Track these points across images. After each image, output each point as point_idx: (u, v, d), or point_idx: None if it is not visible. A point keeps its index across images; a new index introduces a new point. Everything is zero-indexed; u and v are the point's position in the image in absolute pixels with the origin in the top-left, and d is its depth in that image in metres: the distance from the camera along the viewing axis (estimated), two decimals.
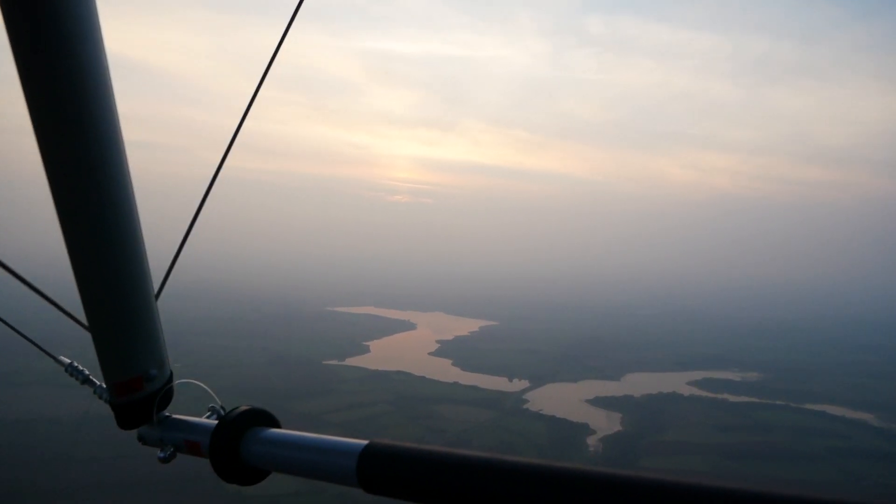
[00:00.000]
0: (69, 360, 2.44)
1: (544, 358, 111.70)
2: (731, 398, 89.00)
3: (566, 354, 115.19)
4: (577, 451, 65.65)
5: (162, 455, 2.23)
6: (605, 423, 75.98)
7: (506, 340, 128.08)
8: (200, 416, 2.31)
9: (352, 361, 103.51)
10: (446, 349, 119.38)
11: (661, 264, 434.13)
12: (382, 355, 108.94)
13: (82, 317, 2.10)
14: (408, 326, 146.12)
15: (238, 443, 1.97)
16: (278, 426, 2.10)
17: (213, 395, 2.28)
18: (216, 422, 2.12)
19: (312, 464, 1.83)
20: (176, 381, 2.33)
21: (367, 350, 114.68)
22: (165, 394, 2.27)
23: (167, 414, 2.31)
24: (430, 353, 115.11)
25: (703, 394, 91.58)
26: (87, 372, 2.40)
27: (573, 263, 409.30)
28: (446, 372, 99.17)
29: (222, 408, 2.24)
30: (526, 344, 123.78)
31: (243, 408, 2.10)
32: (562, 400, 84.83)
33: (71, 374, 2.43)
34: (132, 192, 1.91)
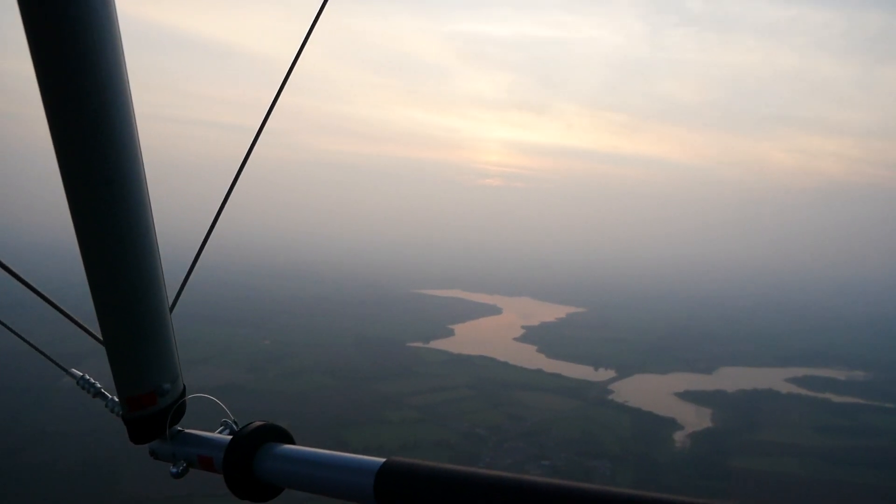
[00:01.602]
0: (81, 373, 2.35)
1: (633, 348, 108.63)
2: (835, 398, 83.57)
3: (656, 345, 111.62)
4: (662, 447, 63.25)
5: (174, 471, 2.17)
6: (693, 419, 72.93)
7: (593, 328, 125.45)
8: (212, 430, 2.27)
9: (436, 344, 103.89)
10: (531, 335, 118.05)
11: (761, 254, 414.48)
12: (467, 339, 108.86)
13: (97, 330, 2.08)
14: (494, 311, 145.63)
15: (251, 459, 1.95)
16: (292, 442, 2.05)
17: (226, 409, 2.25)
18: (229, 437, 2.09)
19: (328, 481, 1.82)
20: (189, 396, 2.25)
21: (451, 333, 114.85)
22: (178, 408, 2.21)
23: (180, 429, 2.25)
24: (514, 339, 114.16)
25: (804, 392, 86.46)
26: (98, 385, 2.33)
27: (667, 251, 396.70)
28: (530, 358, 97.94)
29: (235, 423, 2.20)
30: (614, 332, 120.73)
31: (257, 423, 2.05)
32: (649, 392, 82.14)
33: (83, 388, 2.34)
34: (149, 203, 1.91)
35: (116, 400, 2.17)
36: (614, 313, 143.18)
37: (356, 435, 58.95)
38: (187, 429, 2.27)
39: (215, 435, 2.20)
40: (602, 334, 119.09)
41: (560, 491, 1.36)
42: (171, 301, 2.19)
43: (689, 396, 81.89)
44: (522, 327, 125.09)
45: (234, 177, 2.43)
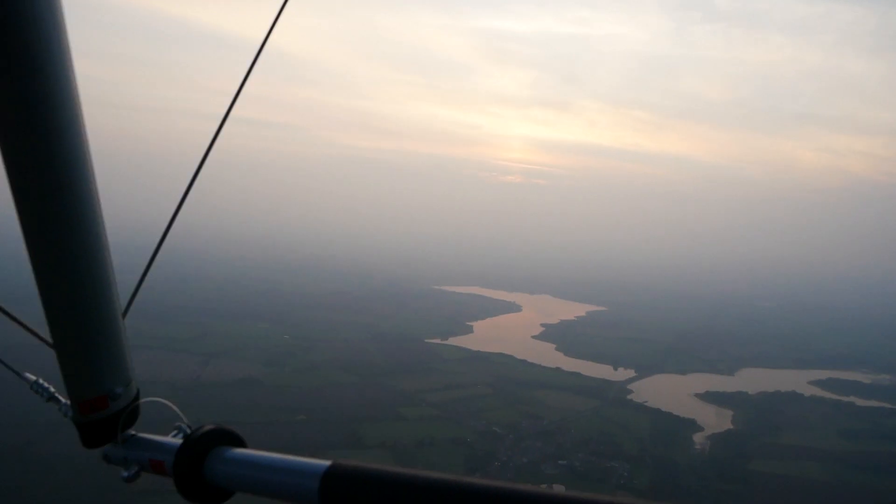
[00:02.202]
0: (34, 377, 2.40)
1: (653, 347, 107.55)
2: (859, 402, 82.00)
3: (676, 345, 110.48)
4: (681, 449, 62.42)
5: (126, 474, 2.19)
6: (714, 420, 71.98)
7: (613, 327, 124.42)
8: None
9: (454, 341, 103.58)
10: (551, 333, 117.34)
11: (786, 254, 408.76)
12: (485, 336, 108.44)
13: (46, 334, 2.10)
14: (513, 308, 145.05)
15: (202, 462, 1.97)
16: (244, 445, 2.06)
17: (180, 413, 2.25)
18: (182, 441, 2.12)
19: (275, 484, 1.82)
20: (142, 400, 2.30)
21: (470, 330, 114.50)
22: (131, 412, 2.25)
23: (133, 433, 2.28)
24: (533, 337, 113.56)
25: (827, 395, 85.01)
26: (52, 389, 2.35)
27: (689, 250, 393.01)
28: (549, 356, 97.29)
29: (189, 426, 2.19)
30: (634, 332, 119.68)
31: (208, 426, 2.06)
32: (669, 392, 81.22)
33: (36, 392, 2.37)
34: (99, 205, 1.92)
35: (69, 404, 2.18)
36: (635, 312, 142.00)
37: (372, 431, 58.83)
38: (141, 433, 2.27)
39: (168, 439, 2.18)
40: (622, 333, 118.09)
41: (508, 494, 1.35)
42: (124, 305, 2.19)
43: (709, 397, 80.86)
44: (542, 325, 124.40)
45: (193, 174, 2.45)
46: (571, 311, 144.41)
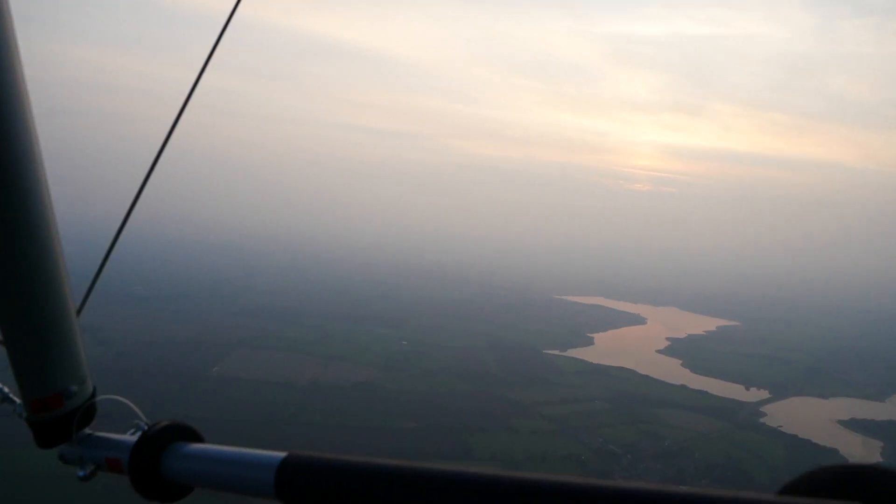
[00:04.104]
0: None
1: (790, 367, 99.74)
2: None
3: (818, 365, 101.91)
4: None
5: (81, 474, 2.15)
6: (859, 451, 65.24)
7: (746, 343, 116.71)
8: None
9: (573, 353, 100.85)
10: (677, 348, 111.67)
11: None
12: (606, 349, 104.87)
13: None
14: (637, 320, 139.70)
15: (158, 458, 1.95)
16: (202, 440, 2.04)
17: (138, 410, 2.19)
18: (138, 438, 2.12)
19: (232, 478, 1.82)
20: (99, 397, 2.25)
21: (590, 342, 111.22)
22: (87, 411, 2.20)
23: (89, 432, 2.23)
24: (658, 351, 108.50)
25: None
26: (6, 389, 2.31)
27: (835, 262, 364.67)
28: (674, 373, 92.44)
29: (147, 424, 2.14)
30: (770, 349, 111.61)
31: (164, 423, 2.04)
32: (807, 417, 74.81)
33: None
34: (50, 204, 1.90)
35: (22, 403, 2.13)
36: (771, 328, 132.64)
37: (483, 443, 57.81)
38: (98, 432, 2.21)
39: (124, 437, 2.11)
40: (756, 350, 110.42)
41: (459, 478, 1.36)
42: (78, 302, 2.16)
43: (855, 425, 73.63)
44: (667, 339, 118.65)
45: (146, 172, 2.44)
46: (700, 324, 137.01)
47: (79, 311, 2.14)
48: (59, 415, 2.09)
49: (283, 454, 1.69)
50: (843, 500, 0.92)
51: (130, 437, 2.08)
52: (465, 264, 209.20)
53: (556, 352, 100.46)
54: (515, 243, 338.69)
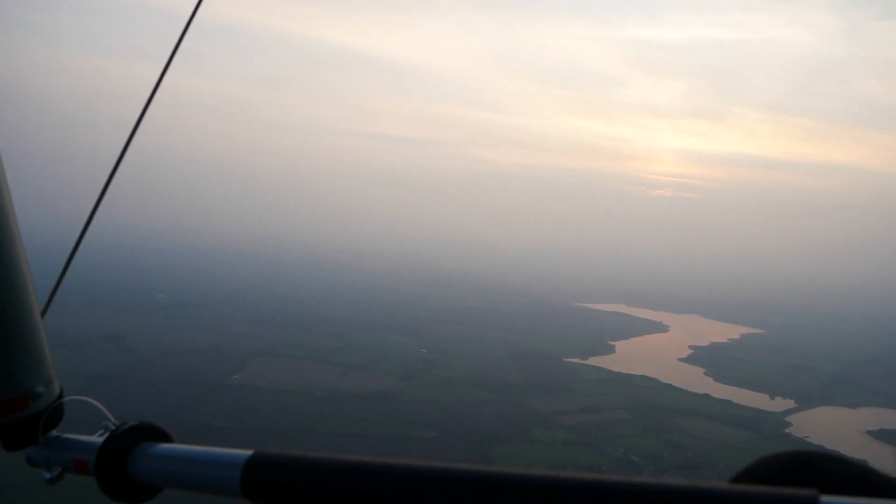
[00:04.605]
0: None
1: (817, 376, 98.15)
2: None
3: (845, 374, 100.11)
4: None
5: (48, 476, 2.10)
6: (890, 463, 63.81)
7: (771, 352, 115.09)
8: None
9: (594, 361, 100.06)
10: (700, 356, 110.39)
11: None
12: (628, 357, 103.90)
13: None
14: (659, 328, 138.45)
15: (125, 459, 1.91)
16: (170, 440, 2.00)
17: (106, 411, 2.13)
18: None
19: (199, 477, 1.77)
20: (66, 398, 2.19)
21: (612, 350, 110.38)
22: (54, 412, 2.13)
23: (56, 434, 2.16)
24: (680, 360, 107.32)
25: None
26: None
27: (862, 268, 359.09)
28: (697, 382, 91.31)
29: (115, 424, 2.09)
30: (795, 358, 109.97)
31: (131, 423, 2.00)
32: (835, 428, 73.50)
33: None
34: (10, 204, 1.88)
35: None
36: (797, 336, 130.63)
37: (502, 452, 57.46)
38: (66, 434, 2.15)
39: (92, 438, 2.04)
40: (781, 359, 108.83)
41: (427, 473, 1.36)
42: (43, 303, 2.12)
43: (885, 436, 72.07)
44: (690, 347, 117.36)
45: (109, 174, 2.40)
46: (724, 332, 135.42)
47: (43, 313, 2.08)
48: (24, 416, 2.03)
49: (249, 452, 1.66)
50: (794, 486, 0.94)
51: (98, 439, 2.01)
52: (486, 272, 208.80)
53: (577, 360, 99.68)
54: (536, 250, 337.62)
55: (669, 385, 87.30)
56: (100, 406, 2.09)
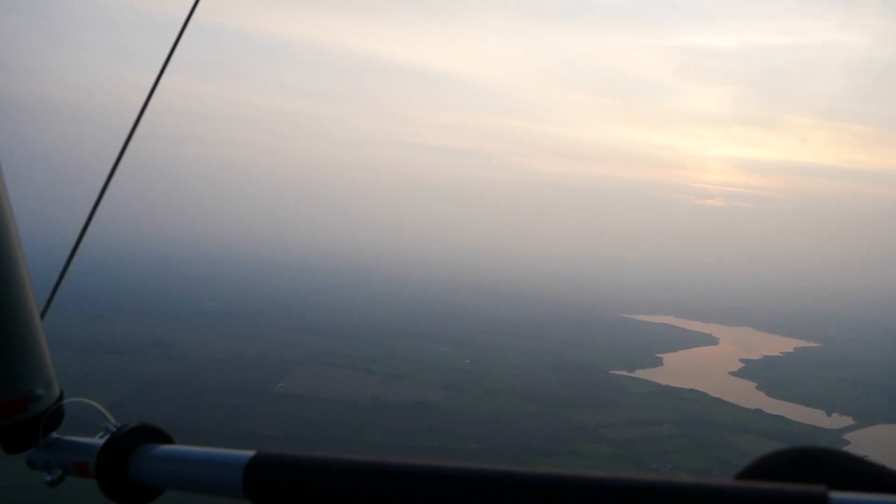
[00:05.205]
0: None
1: (877, 392, 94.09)
2: None
3: None
4: None
5: (48, 479, 2.10)
6: None
7: (827, 366, 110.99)
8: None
9: (641, 374, 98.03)
10: (751, 370, 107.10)
11: None
12: (676, 370, 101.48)
13: None
14: (709, 341, 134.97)
15: (126, 461, 1.92)
16: (171, 441, 2.01)
17: (106, 413, 2.12)
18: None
19: (201, 478, 1.78)
20: (66, 400, 2.19)
21: (660, 363, 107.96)
22: (54, 414, 2.13)
23: (57, 436, 2.16)
24: (731, 373, 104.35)
25: None
26: None
27: None
28: (748, 396, 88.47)
29: (115, 426, 2.09)
30: (854, 373, 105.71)
31: (133, 424, 2.01)
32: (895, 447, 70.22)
33: None
34: (9, 206, 1.89)
35: None
36: (855, 350, 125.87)
37: (545, 465, 56.26)
38: (66, 436, 2.15)
39: (93, 440, 2.05)
40: (838, 374, 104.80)
41: (429, 472, 1.35)
42: (42, 305, 2.12)
43: None
44: (741, 361, 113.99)
45: (105, 178, 2.42)
46: (777, 345, 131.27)
47: (42, 315, 2.06)
48: (24, 419, 2.01)
49: (251, 453, 1.66)
50: (801, 482, 0.93)
51: (99, 441, 2.00)
52: (532, 282, 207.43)
53: (624, 372, 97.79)
54: (583, 261, 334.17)
55: (719, 399, 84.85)
56: (100, 408, 2.08)
